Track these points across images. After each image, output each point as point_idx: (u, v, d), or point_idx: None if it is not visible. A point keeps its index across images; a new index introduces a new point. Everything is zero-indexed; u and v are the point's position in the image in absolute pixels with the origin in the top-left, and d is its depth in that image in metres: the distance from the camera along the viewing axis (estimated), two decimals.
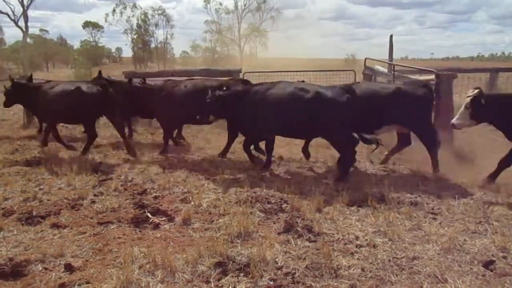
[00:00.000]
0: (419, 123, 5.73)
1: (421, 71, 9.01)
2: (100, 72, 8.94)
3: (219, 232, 3.95)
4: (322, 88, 5.64)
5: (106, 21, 54.62)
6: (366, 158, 6.59)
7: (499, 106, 5.05)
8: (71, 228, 4.10)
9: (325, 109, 5.36)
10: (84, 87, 6.73)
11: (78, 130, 9.08)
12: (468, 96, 5.16)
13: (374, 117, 5.66)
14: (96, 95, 6.69)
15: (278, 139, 7.50)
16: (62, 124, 8.56)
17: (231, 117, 6.28)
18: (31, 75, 8.98)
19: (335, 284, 3.08)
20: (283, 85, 5.78)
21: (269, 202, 4.72)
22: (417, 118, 5.69)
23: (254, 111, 5.76)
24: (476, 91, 5.09)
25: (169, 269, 3.25)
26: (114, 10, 53.39)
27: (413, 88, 5.89)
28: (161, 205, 4.66)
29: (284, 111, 5.52)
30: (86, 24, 59.87)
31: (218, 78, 8.35)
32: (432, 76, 7.38)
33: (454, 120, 5.23)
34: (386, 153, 6.32)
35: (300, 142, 6.75)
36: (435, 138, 5.76)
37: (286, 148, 7.30)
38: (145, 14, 54.75)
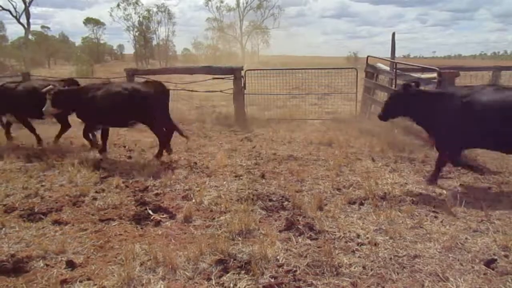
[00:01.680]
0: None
1: (423, 69, 8.95)
2: None
3: (220, 230, 3.96)
4: None
5: (111, 15, 54.80)
6: (367, 156, 6.58)
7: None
8: (73, 225, 4.11)
9: None
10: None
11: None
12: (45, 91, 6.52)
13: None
14: None
15: (278, 138, 7.47)
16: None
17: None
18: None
19: (336, 282, 3.08)
20: None
21: (270, 200, 4.72)
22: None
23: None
24: (49, 88, 6.52)
25: (170, 266, 3.26)
26: (118, 5, 53.64)
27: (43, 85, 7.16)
28: (163, 202, 4.67)
29: None
30: (88, 21, 59.95)
31: None
32: (435, 74, 7.35)
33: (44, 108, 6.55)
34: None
35: (300, 141, 6.68)
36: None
37: (287, 146, 7.30)
38: (148, 11, 54.86)
